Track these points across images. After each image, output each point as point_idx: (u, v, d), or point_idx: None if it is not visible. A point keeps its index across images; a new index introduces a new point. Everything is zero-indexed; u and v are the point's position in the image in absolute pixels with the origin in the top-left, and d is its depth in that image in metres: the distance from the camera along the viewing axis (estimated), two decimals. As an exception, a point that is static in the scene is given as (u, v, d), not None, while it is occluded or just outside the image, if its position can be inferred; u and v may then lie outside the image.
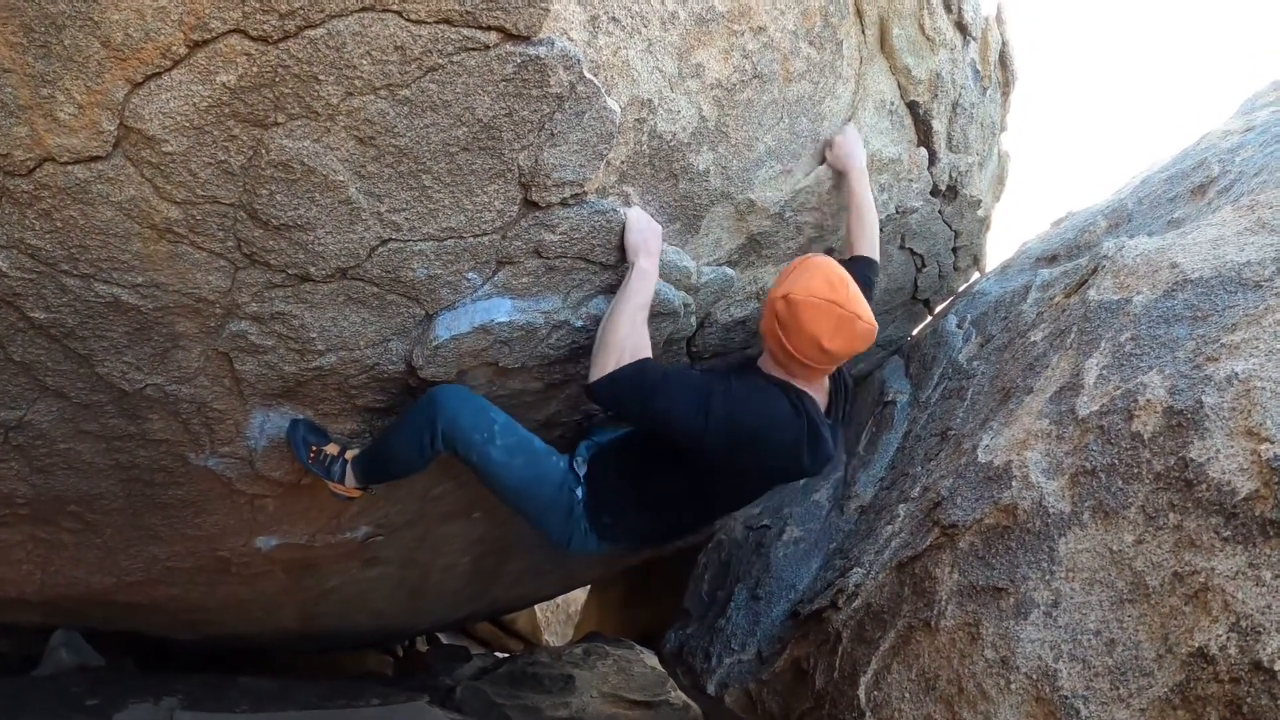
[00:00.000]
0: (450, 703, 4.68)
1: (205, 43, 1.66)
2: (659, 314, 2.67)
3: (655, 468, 2.61)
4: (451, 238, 2.18)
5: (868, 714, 2.61)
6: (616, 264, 2.49)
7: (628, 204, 2.39)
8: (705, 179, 2.48)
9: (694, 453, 2.43)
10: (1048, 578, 2.29)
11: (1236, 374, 2.19)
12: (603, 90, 2.04)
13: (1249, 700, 1.81)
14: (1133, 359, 2.53)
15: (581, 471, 2.69)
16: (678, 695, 4.97)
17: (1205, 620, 1.94)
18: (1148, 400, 2.35)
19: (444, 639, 7.65)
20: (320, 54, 1.72)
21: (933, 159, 3.29)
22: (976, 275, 4.40)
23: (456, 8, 1.75)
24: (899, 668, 2.58)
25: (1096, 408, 2.49)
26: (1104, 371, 2.59)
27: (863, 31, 2.71)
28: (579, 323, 2.61)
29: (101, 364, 2.28)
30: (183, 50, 1.66)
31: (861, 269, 2.89)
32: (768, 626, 3.46)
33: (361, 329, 2.36)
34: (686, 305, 2.78)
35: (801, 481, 4.02)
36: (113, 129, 1.74)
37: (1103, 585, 2.17)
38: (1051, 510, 2.39)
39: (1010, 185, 4.27)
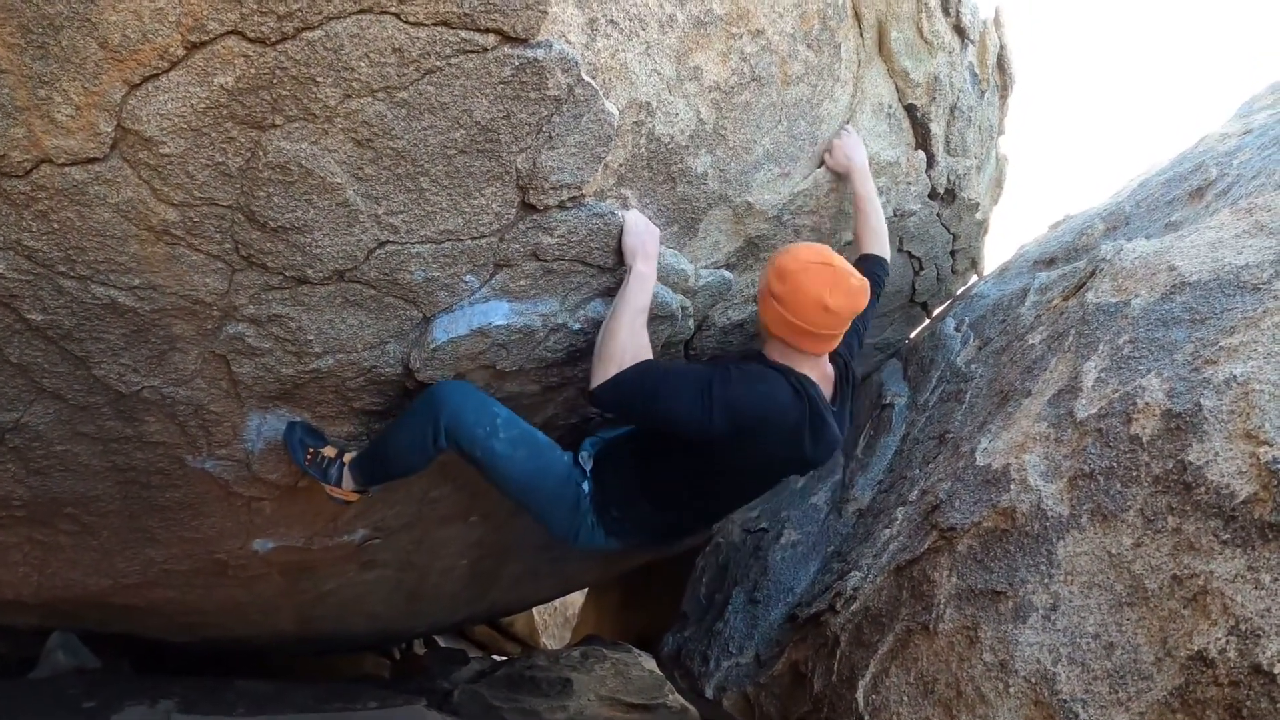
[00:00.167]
0: (448, 706, 4.66)
1: (203, 44, 1.66)
2: (656, 317, 2.67)
3: (663, 461, 2.60)
4: (449, 240, 2.18)
5: (866, 718, 2.60)
6: (614, 267, 2.49)
7: (625, 207, 2.39)
8: (703, 182, 2.48)
9: (700, 445, 2.42)
10: (1046, 581, 2.29)
11: (1235, 377, 2.19)
12: (601, 93, 2.04)
13: (1249, 704, 1.81)
14: (1131, 362, 2.53)
15: (588, 466, 2.69)
16: (675, 699, 4.96)
17: (1204, 623, 1.93)
18: (1146, 403, 2.35)
19: (441, 642, 7.64)
20: (318, 56, 1.72)
21: (931, 162, 3.29)
22: (974, 278, 4.40)
23: (454, 10, 1.74)
24: (897, 671, 2.58)
25: (1095, 410, 2.49)
26: (1102, 374, 2.59)
27: (861, 35, 2.71)
28: (577, 325, 2.60)
29: (98, 366, 2.28)
30: (180, 52, 1.66)
31: (871, 267, 2.90)
32: (766, 630, 3.45)
33: (359, 332, 2.35)
34: (684, 308, 2.78)
35: (799, 483, 4.02)
36: (110, 130, 1.74)
37: (1101, 588, 2.17)
38: (1050, 513, 2.39)
39: (1008, 188, 4.28)
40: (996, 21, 3.51)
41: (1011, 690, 2.22)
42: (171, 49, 1.65)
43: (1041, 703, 2.14)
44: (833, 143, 2.80)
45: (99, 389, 2.36)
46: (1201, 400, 2.21)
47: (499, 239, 2.24)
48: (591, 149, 2.13)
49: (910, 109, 3.08)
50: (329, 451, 2.67)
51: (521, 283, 2.41)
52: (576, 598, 8.89)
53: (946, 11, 2.99)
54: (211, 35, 1.65)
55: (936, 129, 3.20)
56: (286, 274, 2.12)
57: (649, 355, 2.41)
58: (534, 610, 8.79)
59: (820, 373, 2.52)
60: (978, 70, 3.35)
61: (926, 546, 2.70)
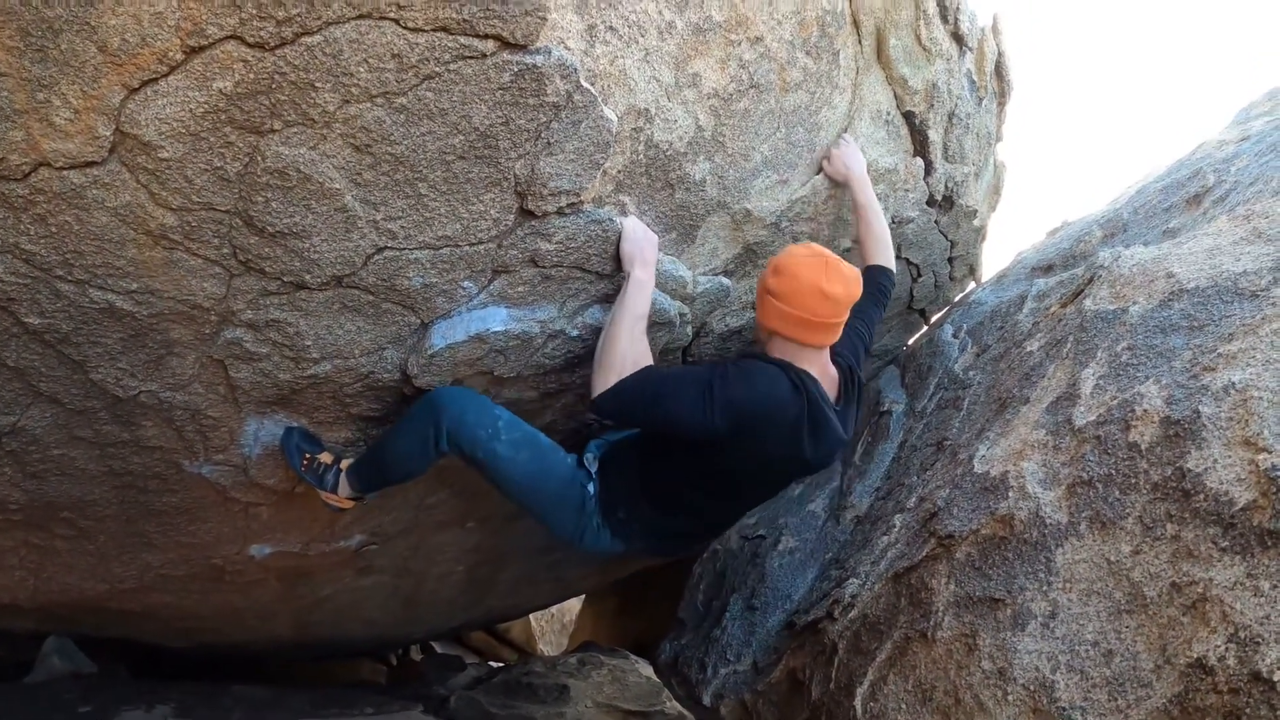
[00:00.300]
0: (444, 712, 4.66)
1: (202, 49, 1.66)
2: (654, 324, 2.67)
3: (665, 463, 2.59)
4: (447, 246, 2.17)
5: (864, 725, 2.60)
6: (612, 273, 2.49)
7: (624, 213, 2.39)
8: (701, 189, 2.48)
9: (703, 445, 2.42)
10: (1045, 588, 2.29)
11: (1234, 384, 2.19)
12: (599, 99, 2.04)
13: (1248, 711, 1.80)
14: (1129, 369, 2.53)
15: (593, 468, 2.69)
16: (673, 706, 4.95)
17: (1204, 631, 1.93)
18: (1145, 410, 2.35)
19: (438, 648, 7.64)
20: (317, 61, 1.72)
21: (929, 169, 3.30)
22: (972, 285, 4.40)
23: (454, 16, 1.74)
24: (895, 679, 2.57)
25: (1093, 418, 2.49)
26: (1101, 381, 2.58)
27: (859, 42, 2.71)
28: (575, 332, 2.60)
29: (95, 370, 2.27)
30: (179, 56, 1.66)
31: (877, 277, 2.90)
32: (763, 637, 3.44)
33: (356, 337, 2.35)
34: (682, 315, 2.78)
35: (797, 490, 4.02)
36: (108, 134, 1.74)
37: (1100, 596, 2.17)
38: (1048, 521, 2.39)
39: (1006, 195, 4.28)
40: (994, 29, 3.52)
41: (1010, 698, 2.21)
42: (170, 53, 1.65)
43: (1040, 710, 2.14)
44: (831, 151, 2.80)
45: (96, 393, 2.35)
46: (1200, 407, 2.21)
47: (497, 245, 2.24)
48: (590, 155, 2.13)
49: (908, 116, 3.08)
50: (325, 457, 2.66)
51: (520, 289, 2.41)
52: (574, 604, 8.88)
53: (945, 19, 3.00)
54: (210, 40, 1.65)
55: (935, 136, 3.21)
56: (284, 279, 2.12)
57: (649, 361, 2.40)
58: (531, 616, 8.78)
59: (822, 370, 2.52)
60: (976, 77, 3.36)
61: (925, 554, 2.69)
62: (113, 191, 1.83)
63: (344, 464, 2.68)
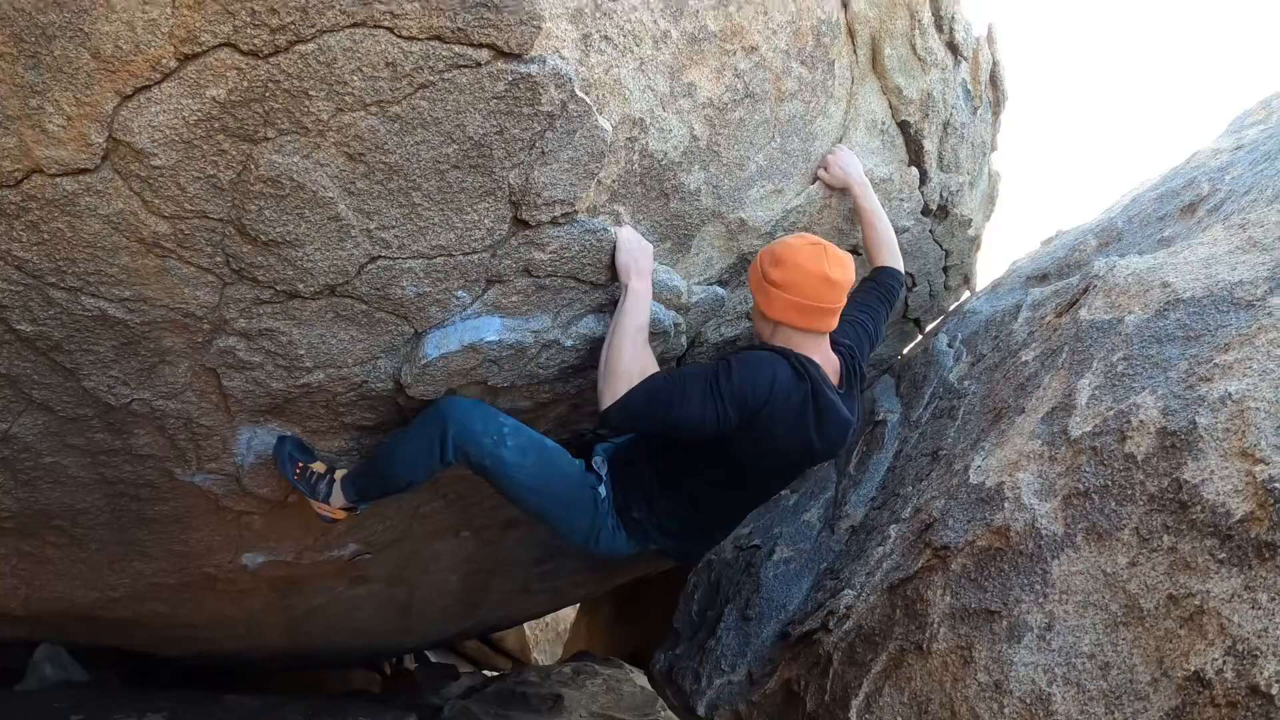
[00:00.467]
0: (437, 722, 4.65)
1: (195, 56, 1.65)
2: (650, 334, 2.66)
3: (680, 459, 2.60)
4: (441, 255, 2.17)
5: (859, 736, 2.58)
6: (607, 283, 2.48)
7: (618, 223, 2.38)
8: (696, 198, 2.48)
9: (714, 441, 2.42)
10: (1041, 600, 2.28)
11: (1230, 394, 2.18)
12: (594, 109, 2.04)
13: (1243, 725, 1.79)
14: (1125, 379, 2.52)
15: (602, 471, 2.68)
16: (667, 716, 4.94)
17: (1201, 644, 1.92)
18: (1140, 421, 2.34)
19: (432, 657, 7.61)
20: (311, 69, 1.71)
21: (924, 178, 3.30)
22: (967, 294, 4.40)
23: (448, 25, 1.74)
24: (891, 691, 2.56)
25: (1089, 428, 2.48)
26: (1096, 392, 2.58)
27: (854, 51, 2.72)
28: (569, 342, 2.59)
29: (88, 378, 2.26)
30: (173, 63, 1.65)
31: (885, 279, 2.91)
32: (758, 647, 3.43)
33: (350, 346, 2.34)
34: (677, 325, 2.77)
35: (792, 499, 4.01)
36: (101, 141, 1.73)
37: (1096, 608, 2.16)
38: (1044, 532, 2.38)
39: (1001, 204, 4.29)
40: (989, 38, 3.52)
41: (1006, 711, 2.20)
42: (164, 60, 1.64)
43: (1036, 723, 2.13)
44: (827, 159, 2.80)
45: (88, 401, 2.34)
46: (1196, 418, 2.20)
47: (491, 255, 2.23)
48: (584, 165, 2.13)
49: (904, 125, 3.08)
50: (318, 467, 2.65)
51: (513, 299, 2.40)
52: (568, 613, 8.87)
53: (940, 28, 3.00)
54: (204, 47, 1.64)
55: (930, 145, 3.21)
56: (277, 288, 2.11)
57: (655, 369, 2.40)
58: (525, 626, 8.76)
59: (824, 357, 2.53)
60: (971, 87, 3.36)
61: (920, 565, 2.68)
62: (105, 199, 1.82)
63: (338, 474, 2.67)
